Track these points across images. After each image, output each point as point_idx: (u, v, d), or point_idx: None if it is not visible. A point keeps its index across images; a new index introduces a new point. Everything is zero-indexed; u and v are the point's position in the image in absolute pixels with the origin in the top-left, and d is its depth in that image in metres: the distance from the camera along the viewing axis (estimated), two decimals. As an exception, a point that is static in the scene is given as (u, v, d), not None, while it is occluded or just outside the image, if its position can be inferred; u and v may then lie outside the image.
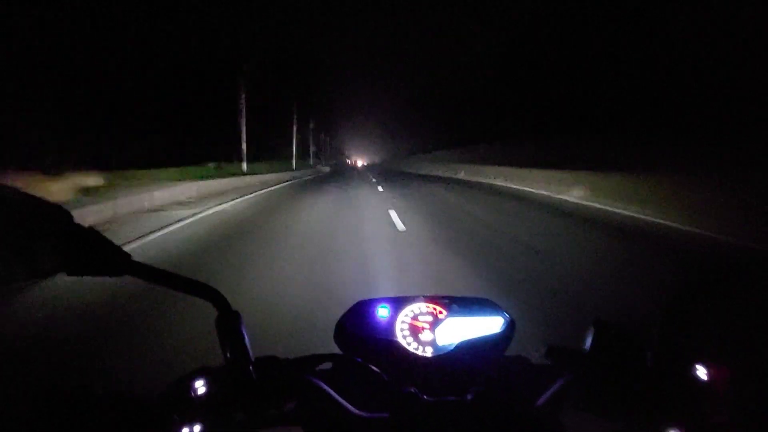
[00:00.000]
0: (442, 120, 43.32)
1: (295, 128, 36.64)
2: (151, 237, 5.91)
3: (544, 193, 12.31)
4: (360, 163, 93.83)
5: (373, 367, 0.55)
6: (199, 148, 19.89)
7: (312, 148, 49.31)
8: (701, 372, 0.51)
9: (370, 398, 0.50)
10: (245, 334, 0.52)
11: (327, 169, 45.23)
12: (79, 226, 0.46)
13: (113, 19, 16.23)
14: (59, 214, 0.45)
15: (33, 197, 0.43)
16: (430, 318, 0.68)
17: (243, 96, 20.07)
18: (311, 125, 43.29)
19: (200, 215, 7.94)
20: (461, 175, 24.11)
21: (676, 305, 0.53)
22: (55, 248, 0.43)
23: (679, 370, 0.51)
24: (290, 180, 21.49)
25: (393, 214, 7.87)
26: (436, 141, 47.03)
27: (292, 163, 35.67)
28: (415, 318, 0.68)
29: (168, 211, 8.34)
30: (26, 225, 0.41)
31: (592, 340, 0.57)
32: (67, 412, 0.43)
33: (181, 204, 9.77)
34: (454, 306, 0.69)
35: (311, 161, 48.30)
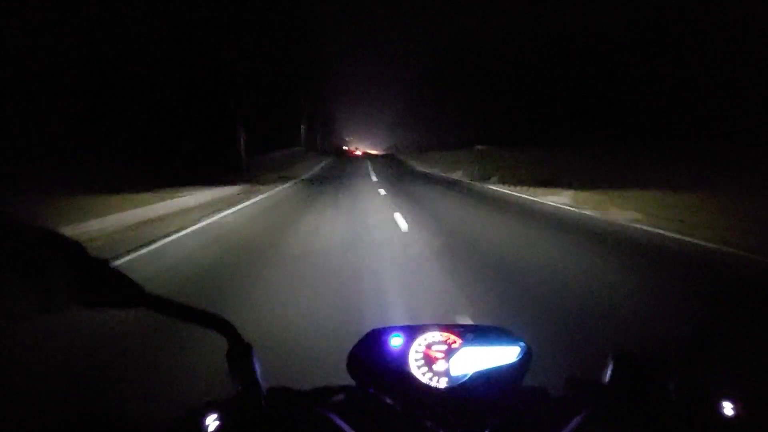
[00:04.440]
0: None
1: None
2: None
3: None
4: (360, 152, 77.68)
5: (387, 399, 0.54)
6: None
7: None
8: (727, 407, 0.48)
9: (383, 431, 0.49)
10: (257, 367, 0.51)
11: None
12: (92, 258, 0.46)
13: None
14: (72, 246, 0.45)
15: (46, 230, 0.43)
16: (444, 347, 0.66)
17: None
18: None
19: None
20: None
21: (701, 335, 0.52)
22: (68, 281, 0.44)
23: (703, 405, 0.49)
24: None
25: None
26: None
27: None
28: (429, 347, 0.66)
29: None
30: (40, 258, 0.42)
31: (612, 372, 0.55)
32: None
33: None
34: (469, 335, 0.68)
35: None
